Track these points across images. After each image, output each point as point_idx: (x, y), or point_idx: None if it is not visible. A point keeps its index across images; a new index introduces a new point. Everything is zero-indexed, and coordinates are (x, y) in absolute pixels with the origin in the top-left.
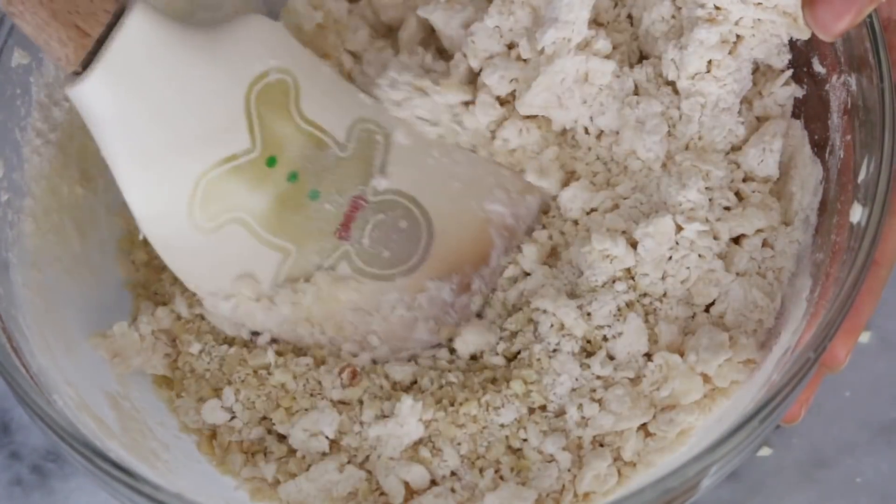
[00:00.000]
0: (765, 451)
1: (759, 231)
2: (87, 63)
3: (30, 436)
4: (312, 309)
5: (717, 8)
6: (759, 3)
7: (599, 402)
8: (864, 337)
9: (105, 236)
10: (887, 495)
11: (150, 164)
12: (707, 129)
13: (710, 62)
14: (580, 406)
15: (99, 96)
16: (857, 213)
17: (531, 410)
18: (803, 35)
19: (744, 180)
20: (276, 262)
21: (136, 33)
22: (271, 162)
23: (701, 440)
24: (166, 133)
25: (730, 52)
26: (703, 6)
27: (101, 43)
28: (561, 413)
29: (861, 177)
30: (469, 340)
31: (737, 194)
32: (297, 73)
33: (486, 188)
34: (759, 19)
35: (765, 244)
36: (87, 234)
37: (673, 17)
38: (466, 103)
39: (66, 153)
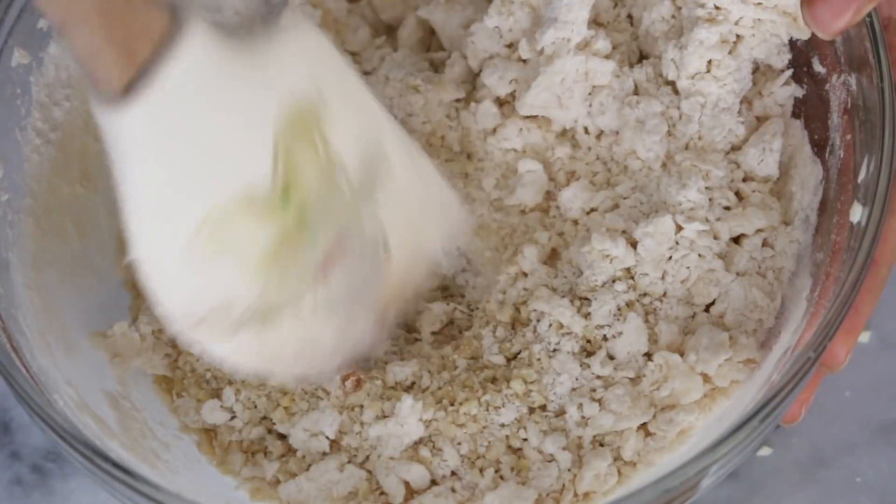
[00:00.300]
0: (765, 451)
1: (759, 231)
2: (128, 86)
3: (30, 436)
4: (267, 341)
5: (717, 8)
6: (759, 3)
7: (599, 401)
8: (864, 337)
9: (105, 236)
10: (887, 495)
11: (167, 194)
12: (707, 128)
13: (710, 62)
14: (580, 406)
15: (139, 125)
16: (857, 213)
17: (531, 410)
18: (803, 35)
19: (744, 180)
20: (253, 296)
21: (191, 57)
22: (284, 200)
23: (701, 440)
24: (193, 164)
25: (730, 52)
26: (703, 6)
27: (145, 62)
28: (561, 413)
29: (861, 177)
30: (435, 311)
31: (737, 194)
32: (327, 91)
33: (432, 217)
34: (759, 19)
35: (765, 244)
36: (87, 234)
37: (673, 16)
38: (459, 101)
39: (66, 153)
